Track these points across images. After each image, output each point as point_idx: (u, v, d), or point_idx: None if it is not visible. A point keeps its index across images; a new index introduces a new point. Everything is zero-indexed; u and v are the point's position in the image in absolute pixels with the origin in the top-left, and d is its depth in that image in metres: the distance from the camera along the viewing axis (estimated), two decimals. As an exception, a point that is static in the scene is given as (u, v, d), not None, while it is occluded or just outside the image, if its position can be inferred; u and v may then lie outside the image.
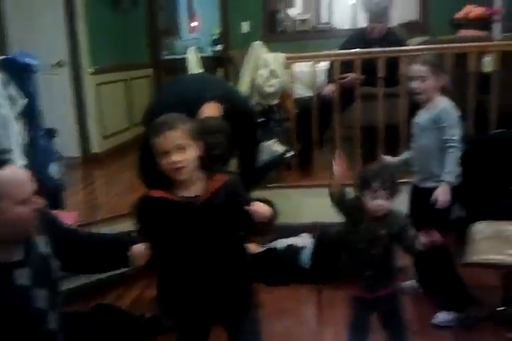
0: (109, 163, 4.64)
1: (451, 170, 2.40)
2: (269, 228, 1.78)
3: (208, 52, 7.44)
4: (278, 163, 3.60)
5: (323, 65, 4.06)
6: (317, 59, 3.58)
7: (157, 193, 1.73)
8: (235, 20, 5.77)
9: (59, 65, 4.57)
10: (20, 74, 2.41)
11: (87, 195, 3.80)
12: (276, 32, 5.90)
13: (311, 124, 3.56)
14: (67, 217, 2.98)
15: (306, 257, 2.99)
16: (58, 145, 2.87)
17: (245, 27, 5.74)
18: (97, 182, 4.43)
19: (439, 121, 2.41)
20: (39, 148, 2.64)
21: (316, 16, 7.35)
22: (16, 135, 2.41)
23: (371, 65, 3.43)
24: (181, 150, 1.66)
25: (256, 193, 2.90)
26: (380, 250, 1.94)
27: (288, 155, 3.59)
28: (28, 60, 2.41)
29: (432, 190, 2.46)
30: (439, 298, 2.56)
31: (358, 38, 3.80)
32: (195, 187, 1.73)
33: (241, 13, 5.71)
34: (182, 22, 8.07)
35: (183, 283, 1.77)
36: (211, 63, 6.18)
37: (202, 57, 5.91)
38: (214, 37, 7.48)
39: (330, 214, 2.90)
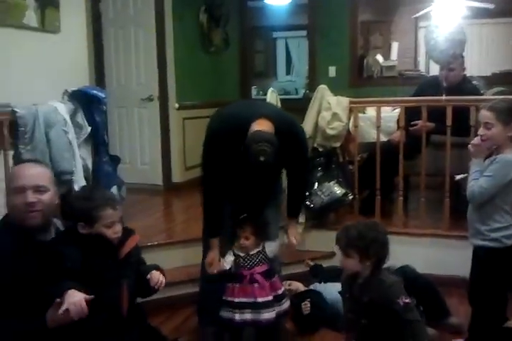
0: (188, 192, 4.84)
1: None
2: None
3: (301, 94, 7.63)
4: (337, 204, 3.59)
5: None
6: (381, 105, 3.55)
7: None
8: (323, 63, 5.91)
9: (149, 99, 4.94)
10: (89, 104, 2.67)
11: (153, 220, 3.99)
12: (362, 77, 5.94)
13: (381, 169, 3.49)
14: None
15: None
16: (121, 172, 3.09)
17: (332, 71, 5.85)
18: (169, 210, 4.67)
19: (484, 171, 2.26)
20: (102, 172, 2.87)
21: (413, 63, 7.34)
22: (80, 159, 2.65)
23: (442, 114, 3.36)
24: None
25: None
26: (366, 318, 1.87)
27: (347, 197, 3.57)
28: (95, 93, 2.67)
29: (481, 249, 2.33)
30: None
31: (431, 85, 3.74)
32: None
33: (329, 57, 5.84)
34: (279, 64, 8.38)
35: None
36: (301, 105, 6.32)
37: (289, 99, 6.14)
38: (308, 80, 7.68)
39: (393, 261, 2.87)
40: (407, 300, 1.79)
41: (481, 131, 2.29)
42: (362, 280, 1.88)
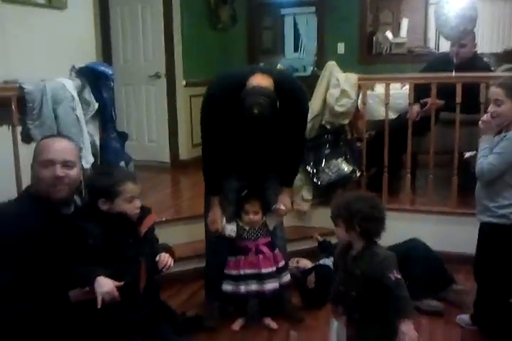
0: (195, 170, 4.84)
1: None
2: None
3: (309, 71, 7.56)
4: (344, 181, 3.59)
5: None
6: (390, 81, 3.52)
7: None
8: (331, 40, 5.84)
9: (157, 76, 4.92)
10: (96, 81, 2.66)
11: (160, 197, 4.01)
12: (371, 54, 5.87)
13: (389, 146, 3.47)
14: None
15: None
16: (129, 149, 3.09)
17: (341, 48, 5.79)
18: (176, 187, 4.69)
19: (494, 148, 2.26)
20: (110, 149, 2.87)
21: (422, 40, 7.22)
22: (87, 135, 2.66)
23: (452, 90, 3.33)
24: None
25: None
26: (356, 291, 1.86)
27: (355, 174, 3.57)
28: (103, 69, 2.66)
29: (487, 225, 2.34)
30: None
31: (441, 61, 3.69)
32: None
33: (338, 33, 5.77)
34: (287, 41, 8.29)
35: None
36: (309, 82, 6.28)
37: (297, 77, 6.06)
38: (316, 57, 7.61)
39: (400, 238, 2.87)
40: (399, 276, 1.80)
41: (491, 107, 2.29)
42: (355, 252, 1.89)
